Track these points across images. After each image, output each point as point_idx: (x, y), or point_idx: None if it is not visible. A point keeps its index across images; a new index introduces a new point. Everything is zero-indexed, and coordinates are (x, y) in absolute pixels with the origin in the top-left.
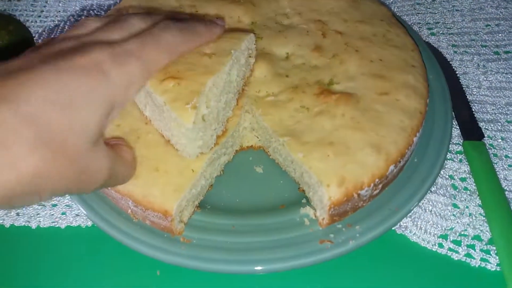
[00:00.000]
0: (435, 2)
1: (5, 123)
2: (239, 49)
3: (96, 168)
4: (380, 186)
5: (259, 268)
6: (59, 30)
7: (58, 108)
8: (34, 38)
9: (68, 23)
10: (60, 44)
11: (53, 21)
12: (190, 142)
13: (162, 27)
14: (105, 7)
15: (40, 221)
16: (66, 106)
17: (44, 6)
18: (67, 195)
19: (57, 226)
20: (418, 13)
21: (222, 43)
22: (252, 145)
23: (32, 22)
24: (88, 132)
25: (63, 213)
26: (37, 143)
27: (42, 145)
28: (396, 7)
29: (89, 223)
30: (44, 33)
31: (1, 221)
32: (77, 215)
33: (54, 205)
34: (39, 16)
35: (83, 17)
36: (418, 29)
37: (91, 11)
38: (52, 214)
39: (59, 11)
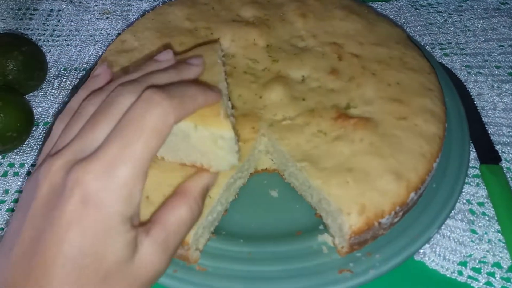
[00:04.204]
0: (447, 22)
1: None
2: (218, 55)
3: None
4: (400, 213)
5: None
6: (71, 49)
7: None
8: (46, 58)
9: (79, 43)
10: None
11: (65, 40)
12: (231, 151)
13: (144, 104)
14: (118, 29)
15: None
16: None
17: (56, 25)
18: None
19: None
20: (431, 33)
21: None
22: (266, 168)
23: (44, 41)
24: None
25: None
26: None
27: None
28: (408, 27)
29: None
30: (56, 53)
31: None
32: None
33: None
34: (51, 35)
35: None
36: (431, 49)
37: (103, 31)
38: None
39: (72, 31)
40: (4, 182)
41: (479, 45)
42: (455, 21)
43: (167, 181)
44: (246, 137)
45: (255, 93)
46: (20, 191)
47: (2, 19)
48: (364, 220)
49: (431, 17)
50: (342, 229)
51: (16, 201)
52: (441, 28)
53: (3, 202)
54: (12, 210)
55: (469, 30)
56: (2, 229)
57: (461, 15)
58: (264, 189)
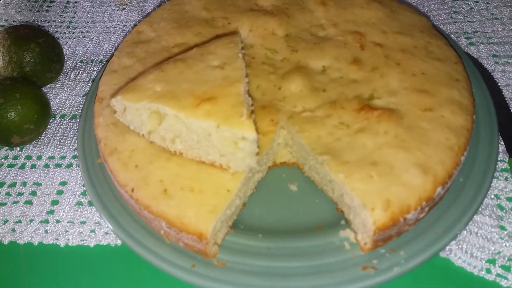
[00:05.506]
0: (473, 10)
1: None
2: (239, 48)
3: None
4: (426, 209)
5: None
6: (88, 41)
7: None
8: (63, 50)
9: (96, 35)
10: None
11: (82, 32)
12: (251, 153)
13: None
14: (135, 20)
15: (69, 239)
16: None
17: (73, 17)
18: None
19: (86, 244)
20: (456, 22)
21: (222, 52)
22: (285, 161)
23: (61, 33)
24: None
25: (92, 231)
26: None
27: None
28: (432, 16)
29: (119, 242)
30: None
31: (30, 239)
32: (106, 233)
33: (83, 222)
34: (68, 27)
35: (111, 28)
36: (456, 38)
37: (119, 22)
38: (81, 232)
39: (88, 22)
40: (22, 174)
41: (506, 34)
42: (481, 9)
43: (184, 175)
44: (265, 130)
45: (274, 84)
46: (37, 183)
47: (19, 11)
48: (389, 216)
49: (456, 5)
50: (365, 225)
51: (33, 193)
52: (467, 17)
53: (21, 194)
54: (30, 202)
55: (496, 18)
56: (20, 221)
57: (487, 2)
58: (283, 183)
